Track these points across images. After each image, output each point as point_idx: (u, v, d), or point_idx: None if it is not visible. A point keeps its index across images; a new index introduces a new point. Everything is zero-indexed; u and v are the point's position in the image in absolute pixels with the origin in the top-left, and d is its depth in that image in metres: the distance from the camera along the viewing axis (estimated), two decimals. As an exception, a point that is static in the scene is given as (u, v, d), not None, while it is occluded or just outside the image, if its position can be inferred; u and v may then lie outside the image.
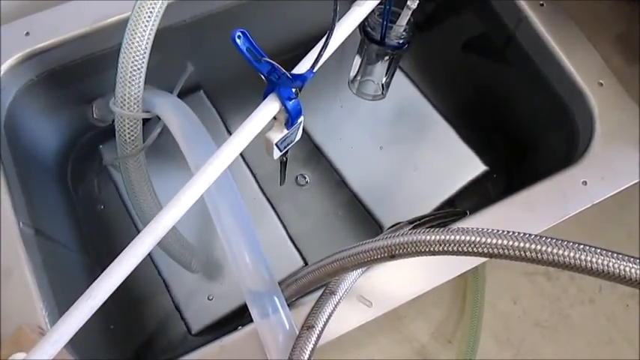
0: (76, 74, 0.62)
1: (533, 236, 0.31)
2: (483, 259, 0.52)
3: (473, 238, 0.32)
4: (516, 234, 0.31)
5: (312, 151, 0.76)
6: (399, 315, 0.87)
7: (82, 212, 0.69)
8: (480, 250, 0.32)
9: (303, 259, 0.68)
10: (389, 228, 0.54)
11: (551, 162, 0.64)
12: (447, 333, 0.86)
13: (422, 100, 0.76)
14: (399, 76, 0.76)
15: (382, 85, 0.65)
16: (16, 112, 0.58)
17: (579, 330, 0.88)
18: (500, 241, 0.31)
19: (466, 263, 0.51)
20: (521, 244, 0.31)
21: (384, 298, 0.48)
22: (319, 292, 0.46)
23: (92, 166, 0.74)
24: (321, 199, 0.77)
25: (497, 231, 0.32)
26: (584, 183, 0.53)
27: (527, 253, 0.31)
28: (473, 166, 0.71)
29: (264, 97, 0.43)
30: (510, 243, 0.31)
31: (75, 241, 0.64)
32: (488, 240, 0.32)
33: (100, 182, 0.75)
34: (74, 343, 0.47)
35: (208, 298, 0.66)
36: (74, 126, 0.70)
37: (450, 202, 0.71)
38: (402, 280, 0.49)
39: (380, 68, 0.63)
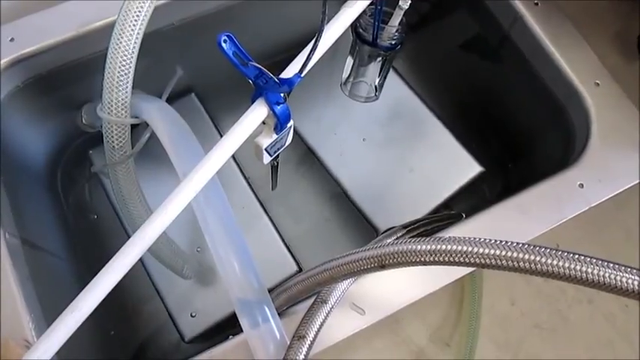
0: (63, 80, 0.61)
1: (526, 246, 0.30)
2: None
3: (464, 248, 0.31)
4: (509, 244, 0.30)
5: (305, 154, 0.75)
6: (395, 318, 0.86)
7: (72, 220, 0.68)
8: (472, 260, 0.31)
9: (297, 263, 0.67)
10: (383, 232, 0.53)
11: (547, 163, 0.63)
12: (445, 336, 0.85)
13: (416, 101, 0.75)
14: (392, 77, 0.76)
15: (375, 86, 0.64)
16: (2, 119, 0.57)
17: (578, 331, 0.87)
18: (492, 251, 0.30)
19: (463, 269, 0.50)
20: (515, 254, 0.30)
21: (378, 304, 0.48)
22: (311, 300, 0.45)
23: (83, 172, 0.73)
24: (315, 203, 0.76)
25: (490, 240, 0.31)
26: (581, 185, 0.52)
27: (521, 264, 0.30)
28: (469, 167, 0.70)
29: (252, 102, 0.43)
30: (503, 253, 0.30)
31: (64, 250, 0.63)
32: (481, 250, 0.31)
33: (91, 188, 0.74)
34: (62, 355, 0.46)
35: (191, 315, 0.65)
36: (63, 132, 0.69)
37: (446, 204, 0.70)
38: (397, 285, 0.48)
39: (372, 69, 0.62)
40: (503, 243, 0.30)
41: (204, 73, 0.73)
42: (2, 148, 0.56)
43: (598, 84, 0.57)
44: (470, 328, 0.84)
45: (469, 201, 0.74)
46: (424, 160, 0.72)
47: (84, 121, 0.64)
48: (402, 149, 0.73)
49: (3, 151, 0.56)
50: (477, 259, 0.31)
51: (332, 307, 0.43)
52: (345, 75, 0.65)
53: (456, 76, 0.78)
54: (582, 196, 0.52)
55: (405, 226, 0.51)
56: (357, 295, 0.47)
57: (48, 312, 0.48)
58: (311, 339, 0.42)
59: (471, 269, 0.50)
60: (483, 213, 0.51)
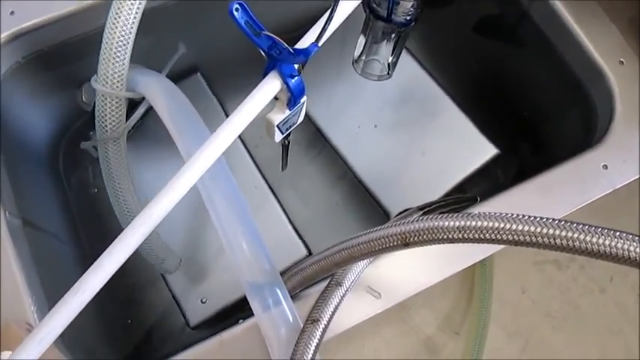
0: (65, 56, 0.58)
1: (563, 222, 0.28)
2: (497, 248, 0.49)
3: (497, 225, 0.29)
4: (544, 220, 0.29)
5: (315, 136, 0.73)
6: (403, 305, 0.85)
7: (74, 201, 0.67)
8: (504, 237, 0.29)
9: (307, 248, 0.65)
10: (397, 215, 0.51)
11: (566, 145, 0.61)
12: (454, 324, 0.84)
13: (429, 81, 0.73)
14: (405, 57, 0.73)
15: (388, 64, 0.62)
16: (2, 96, 0.55)
17: (589, 320, 0.86)
18: (527, 228, 0.28)
19: (481, 251, 0.49)
20: (552, 231, 0.28)
21: (393, 289, 0.46)
22: (324, 284, 0.44)
23: (85, 153, 0.71)
24: (325, 186, 0.74)
25: (523, 216, 0.29)
26: (605, 167, 0.50)
27: (558, 241, 0.28)
28: (483, 150, 0.68)
29: (264, 75, 0.41)
30: (539, 230, 0.28)
31: (67, 232, 0.61)
32: (514, 226, 0.29)
33: (95, 170, 0.72)
34: (67, 340, 0.45)
35: (201, 301, 0.64)
36: (66, 111, 0.67)
37: (460, 188, 0.68)
38: (413, 269, 0.47)
39: (386, 47, 0.60)
40: (538, 219, 0.29)
41: (210, 51, 0.71)
42: (3, 126, 0.54)
43: (622, 62, 0.55)
44: (480, 317, 0.83)
45: (482, 186, 0.72)
46: (437, 142, 0.70)
47: (84, 99, 0.61)
48: (414, 131, 0.71)
49: (3, 130, 0.54)
50: (509, 236, 0.29)
51: (347, 289, 0.42)
52: (357, 53, 0.62)
53: (470, 54, 0.76)
54: (606, 178, 0.50)
55: (420, 208, 0.49)
56: (371, 278, 0.46)
57: (50, 295, 0.47)
58: (325, 323, 0.41)
59: (491, 252, 0.48)
60: (502, 195, 0.50)
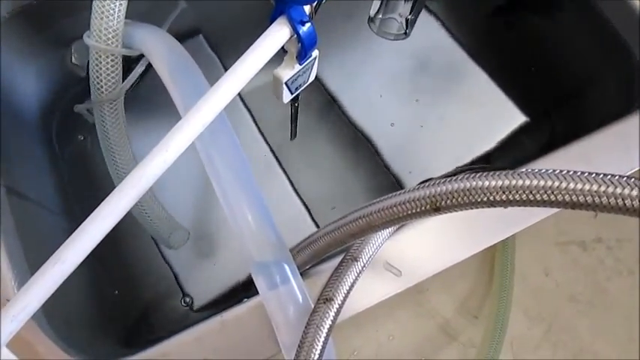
0: (57, 10, 0.55)
1: (633, 180, 0.23)
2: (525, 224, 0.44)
3: (549, 183, 0.24)
4: (609, 177, 0.24)
5: (326, 101, 0.69)
6: (419, 288, 0.82)
7: (67, 169, 0.62)
8: (559, 198, 0.24)
9: (315, 223, 0.61)
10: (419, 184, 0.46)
11: (605, 111, 0.56)
12: (473, 308, 0.81)
13: (452, 43, 0.68)
14: (425, 17, 0.69)
15: (406, 21, 0.57)
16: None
17: (617, 304, 0.83)
18: (588, 187, 0.23)
19: (504, 229, 0.45)
20: (619, 190, 0.23)
21: (414, 266, 0.41)
22: (337, 260, 0.39)
23: (82, 121, 0.66)
24: (336, 155, 0.70)
25: (582, 173, 0.24)
26: (653, 131, 0.45)
27: (627, 202, 0.23)
28: (511, 117, 0.64)
29: (271, 23, 0.36)
30: (602, 189, 0.23)
31: (58, 203, 0.57)
32: (571, 185, 0.24)
33: (93, 140, 0.68)
34: (56, 325, 0.42)
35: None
36: (60, 75, 0.62)
37: (485, 159, 0.63)
38: (436, 245, 0.42)
39: (404, 4, 0.55)
40: (601, 176, 0.24)
41: (213, 11, 0.66)
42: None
43: (670, 13, 0.49)
44: (500, 300, 0.79)
45: (505, 158, 0.67)
46: (460, 109, 0.66)
47: (74, 60, 0.57)
48: (435, 97, 0.67)
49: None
50: (566, 197, 0.24)
51: (364, 265, 0.37)
52: (372, 10, 0.57)
53: (495, 12, 0.70)
54: (655, 144, 0.44)
55: (446, 176, 0.44)
56: (390, 254, 0.41)
57: (35, 270, 0.43)
58: (339, 302, 0.36)
59: (516, 228, 0.44)
60: (536, 164, 0.45)
